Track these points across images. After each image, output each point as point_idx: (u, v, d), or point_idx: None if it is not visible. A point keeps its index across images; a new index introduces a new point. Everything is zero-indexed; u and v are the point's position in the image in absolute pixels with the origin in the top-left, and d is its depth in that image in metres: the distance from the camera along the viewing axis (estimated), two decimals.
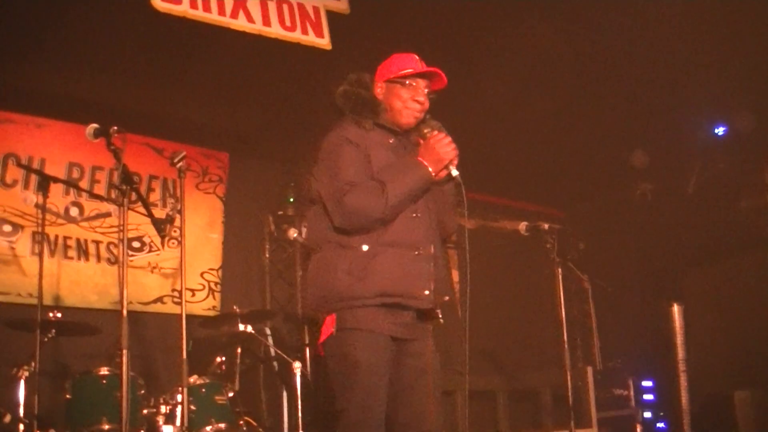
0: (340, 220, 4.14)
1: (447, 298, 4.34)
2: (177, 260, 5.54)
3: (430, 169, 4.20)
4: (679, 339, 8.31)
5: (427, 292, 4.19)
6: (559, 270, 6.48)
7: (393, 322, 4.15)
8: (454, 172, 4.25)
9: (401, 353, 4.21)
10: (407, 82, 4.33)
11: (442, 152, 4.20)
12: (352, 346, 4.08)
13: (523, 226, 6.62)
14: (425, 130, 4.31)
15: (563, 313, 6.52)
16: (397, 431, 4.19)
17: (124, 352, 4.60)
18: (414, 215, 4.23)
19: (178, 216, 5.82)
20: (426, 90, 4.37)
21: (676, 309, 8.32)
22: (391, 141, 4.34)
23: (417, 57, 4.41)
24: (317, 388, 7.58)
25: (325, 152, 4.31)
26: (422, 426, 4.21)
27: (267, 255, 9.27)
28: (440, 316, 4.30)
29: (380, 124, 4.33)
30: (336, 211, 4.14)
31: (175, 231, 5.84)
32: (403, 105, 4.33)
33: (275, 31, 6.88)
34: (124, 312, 4.62)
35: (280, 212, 9.19)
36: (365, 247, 4.12)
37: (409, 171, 4.20)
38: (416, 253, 4.19)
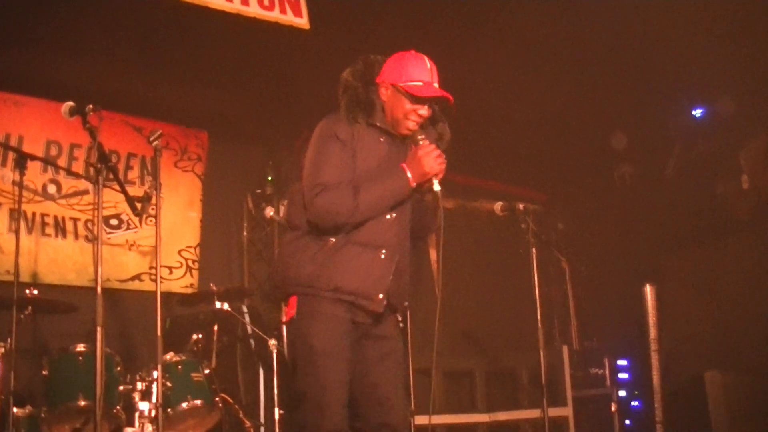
0: (310, 217, 4.15)
1: (406, 303, 4.36)
2: (155, 238, 5.54)
3: (410, 177, 4.16)
4: (652, 319, 8.39)
5: (381, 296, 4.18)
6: (534, 250, 6.53)
7: (349, 311, 4.16)
8: (436, 187, 4.19)
9: (363, 336, 4.24)
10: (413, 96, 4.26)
11: (427, 166, 4.14)
12: (310, 330, 4.11)
13: (498, 206, 6.64)
14: (419, 137, 4.24)
15: (537, 293, 6.58)
16: (362, 414, 4.22)
17: (99, 329, 4.64)
18: (388, 216, 4.22)
19: (155, 194, 5.83)
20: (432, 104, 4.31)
21: (648, 289, 8.40)
22: (382, 139, 4.29)
23: (428, 64, 4.32)
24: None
25: (314, 140, 4.29)
26: (386, 409, 4.24)
27: (245, 233, 9.29)
28: (400, 320, 4.31)
29: (372, 124, 4.27)
30: (308, 207, 4.14)
31: (152, 209, 5.84)
32: (404, 117, 4.26)
33: (253, 10, 6.87)
34: (99, 289, 4.66)
35: (259, 191, 9.20)
36: (332, 240, 4.13)
37: (389, 179, 4.18)
38: (382, 255, 4.19)
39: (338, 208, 4.08)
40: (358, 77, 4.33)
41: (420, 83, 4.25)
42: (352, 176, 4.16)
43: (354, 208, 4.07)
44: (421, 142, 4.22)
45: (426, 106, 4.27)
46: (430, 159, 4.15)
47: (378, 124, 4.29)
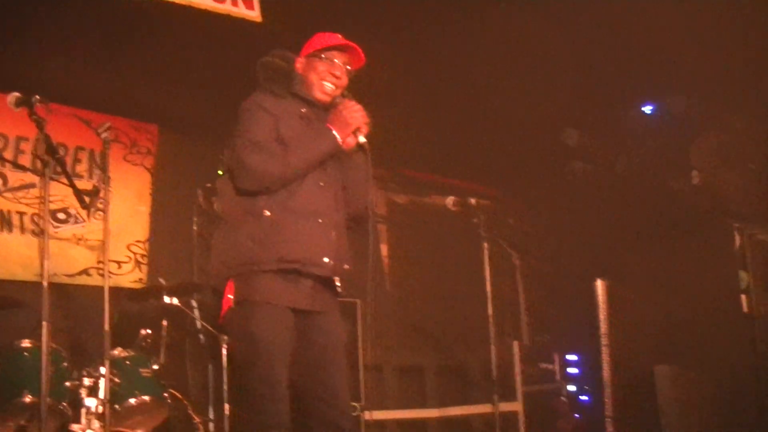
0: (241, 179, 4.21)
1: (347, 266, 4.39)
2: (103, 232, 5.48)
3: (336, 134, 4.26)
4: (602, 314, 8.45)
5: (326, 260, 4.23)
6: (486, 245, 6.57)
7: (292, 291, 4.17)
8: (362, 139, 4.31)
9: (308, 327, 4.26)
10: (324, 56, 4.40)
11: (350, 117, 4.27)
12: (250, 321, 4.13)
13: (450, 200, 6.69)
14: (338, 100, 4.37)
15: (489, 288, 6.61)
16: (312, 406, 4.25)
17: (45, 324, 4.59)
18: (320, 184, 4.30)
19: (104, 187, 5.77)
20: (346, 67, 4.43)
21: (599, 284, 8.44)
22: (303, 110, 4.40)
23: (341, 36, 4.46)
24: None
25: (239, 116, 4.38)
26: (336, 401, 4.27)
27: (195, 228, 9.20)
28: (338, 284, 4.35)
29: (293, 93, 4.39)
30: (237, 169, 4.22)
31: (101, 203, 5.78)
32: (318, 78, 4.39)
33: (205, 2, 6.83)
34: (46, 284, 4.61)
35: (210, 185, 9.09)
36: (267, 213, 4.16)
37: (315, 136, 4.28)
38: (319, 221, 4.25)
39: (270, 161, 4.15)
40: (277, 56, 4.54)
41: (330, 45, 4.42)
42: (277, 141, 4.26)
43: (285, 163, 4.15)
44: (339, 102, 4.36)
45: (339, 66, 4.41)
46: (352, 111, 4.30)
47: (298, 93, 4.41)
